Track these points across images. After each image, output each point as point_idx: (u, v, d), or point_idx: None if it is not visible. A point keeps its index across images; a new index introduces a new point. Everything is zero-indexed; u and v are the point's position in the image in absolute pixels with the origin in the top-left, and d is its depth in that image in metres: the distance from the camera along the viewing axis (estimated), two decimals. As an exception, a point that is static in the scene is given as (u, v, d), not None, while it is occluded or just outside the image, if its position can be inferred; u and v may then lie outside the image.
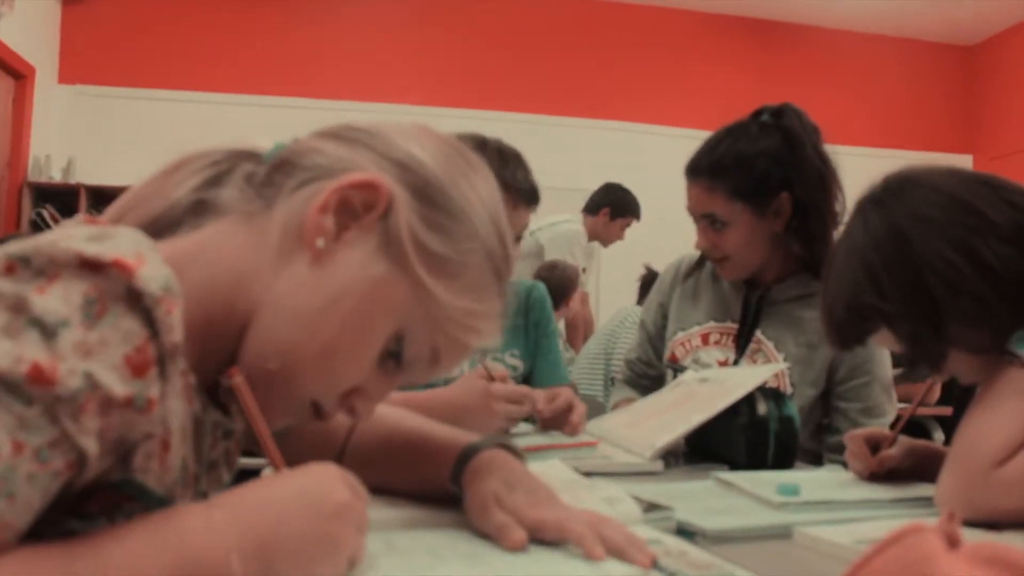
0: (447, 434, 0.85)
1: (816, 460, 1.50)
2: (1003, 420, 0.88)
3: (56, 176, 5.19)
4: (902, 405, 1.46)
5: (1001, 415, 0.88)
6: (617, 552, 0.65)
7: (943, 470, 0.91)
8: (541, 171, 1.62)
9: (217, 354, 0.62)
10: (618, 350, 3.35)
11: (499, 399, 1.27)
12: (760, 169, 1.50)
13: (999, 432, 0.87)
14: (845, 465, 1.14)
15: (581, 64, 6.09)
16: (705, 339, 1.63)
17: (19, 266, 0.49)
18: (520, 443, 1.20)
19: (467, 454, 0.78)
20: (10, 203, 5.04)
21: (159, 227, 0.66)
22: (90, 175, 5.18)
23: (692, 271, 1.70)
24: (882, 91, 6.58)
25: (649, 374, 1.77)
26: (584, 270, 4.20)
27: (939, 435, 3.65)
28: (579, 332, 4.23)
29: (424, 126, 0.71)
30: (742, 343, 1.58)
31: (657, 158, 5.22)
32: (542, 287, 1.79)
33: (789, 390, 1.50)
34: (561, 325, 4.06)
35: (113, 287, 0.50)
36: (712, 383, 1.37)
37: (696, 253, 1.67)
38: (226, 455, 0.68)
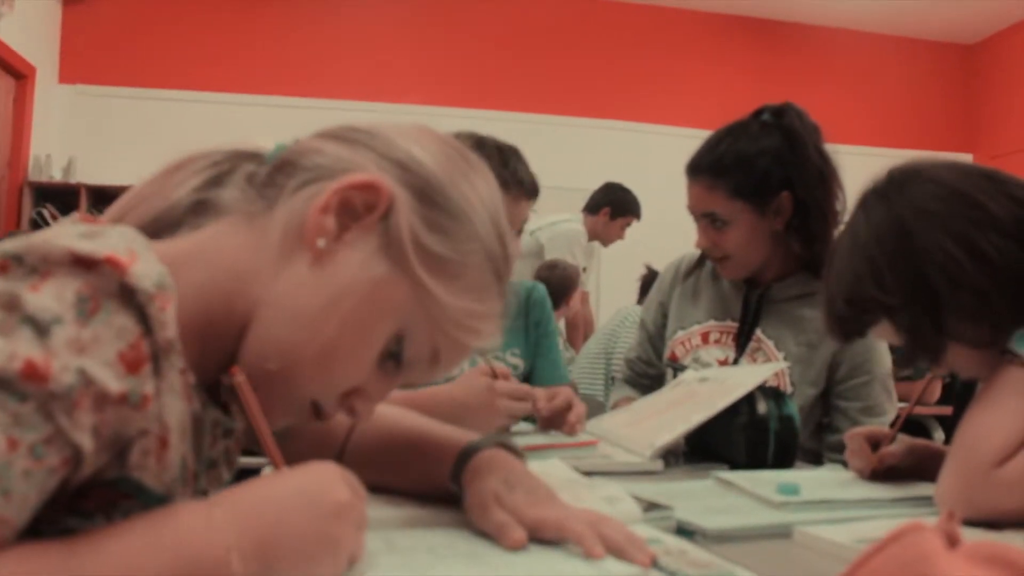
0: (447, 433, 0.85)
1: (816, 459, 1.50)
2: (1003, 419, 0.88)
3: (56, 176, 5.19)
4: (902, 404, 1.46)
5: (1001, 414, 0.88)
6: (617, 551, 0.65)
7: (943, 469, 0.91)
8: (541, 170, 1.62)
9: (217, 354, 0.62)
10: (618, 349, 3.35)
11: (502, 396, 1.27)
12: (761, 168, 1.50)
13: (999, 431, 0.87)
14: (845, 464, 1.14)
15: (582, 64, 6.09)
16: (705, 338, 1.63)
17: (12, 264, 0.49)
18: (520, 442, 1.20)
19: (467, 453, 0.78)
20: (10, 203, 5.04)
21: (159, 227, 0.66)
22: (90, 175, 5.18)
23: (692, 270, 1.70)
24: (882, 90, 6.58)
25: (649, 373, 1.77)
26: (584, 269, 4.20)
27: (939, 434, 3.65)
28: (579, 331, 4.23)
29: (424, 127, 0.71)
30: (742, 342, 1.59)
31: (657, 157, 5.22)
32: (542, 288, 1.80)
33: (789, 389, 1.50)
34: (561, 324, 4.06)
35: (106, 284, 0.50)
36: (712, 382, 1.37)
37: (696, 252, 1.67)
38: (226, 454, 0.68)
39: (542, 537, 0.68)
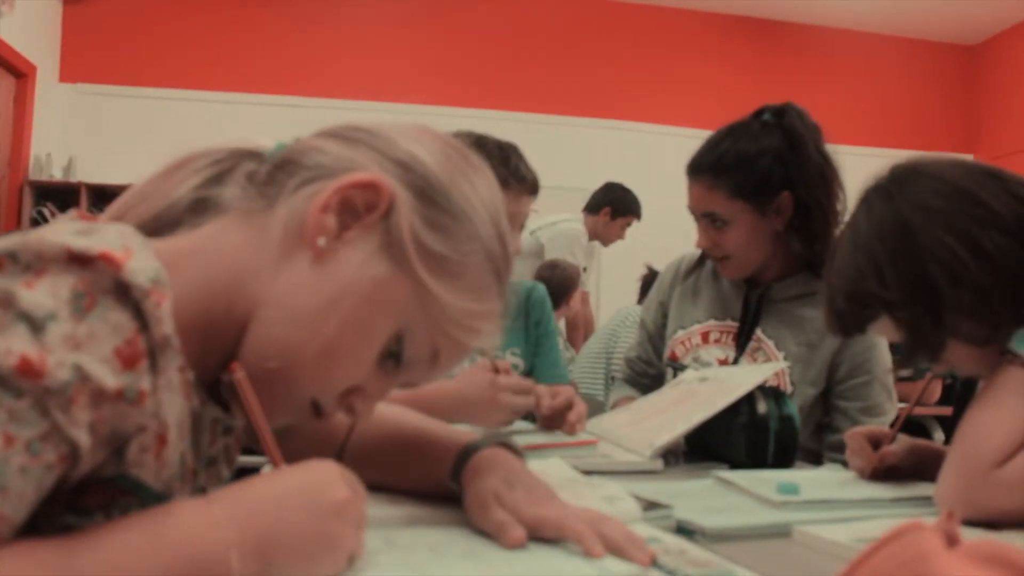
0: (447, 432, 0.85)
1: (816, 459, 1.50)
2: (1003, 420, 0.88)
3: (57, 175, 5.19)
4: (902, 405, 1.46)
5: (1001, 415, 0.88)
6: (616, 550, 0.65)
7: (943, 469, 0.91)
8: (541, 170, 1.63)
9: (217, 352, 0.62)
10: (619, 349, 3.35)
11: (504, 391, 1.28)
12: (761, 168, 1.50)
13: (999, 432, 0.87)
14: (845, 464, 1.14)
15: (582, 63, 6.09)
16: (705, 337, 1.63)
17: (7, 261, 0.49)
18: (520, 441, 1.20)
19: (467, 452, 0.78)
20: (11, 202, 5.04)
21: (159, 225, 0.66)
22: (91, 174, 5.18)
23: (692, 270, 1.70)
24: (883, 90, 6.58)
25: (649, 373, 1.77)
26: (585, 269, 4.20)
27: (939, 435, 3.65)
28: (579, 331, 4.23)
29: (426, 126, 0.71)
30: (742, 341, 1.59)
31: (658, 157, 5.23)
32: (542, 288, 1.80)
33: (789, 389, 1.50)
34: (562, 324, 4.07)
35: (101, 280, 0.50)
36: (712, 382, 1.37)
37: (697, 252, 1.68)
38: (226, 451, 0.68)
39: (542, 536, 0.68)
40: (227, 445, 0.68)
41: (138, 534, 0.51)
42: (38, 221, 5.05)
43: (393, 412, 0.89)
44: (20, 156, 5.08)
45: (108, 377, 0.49)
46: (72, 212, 0.62)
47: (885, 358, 1.54)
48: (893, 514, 0.91)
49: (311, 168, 0.65)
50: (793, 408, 1.25)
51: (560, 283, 3.73)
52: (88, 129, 5.39)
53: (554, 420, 1.35)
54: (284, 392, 0.63)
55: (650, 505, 0.84)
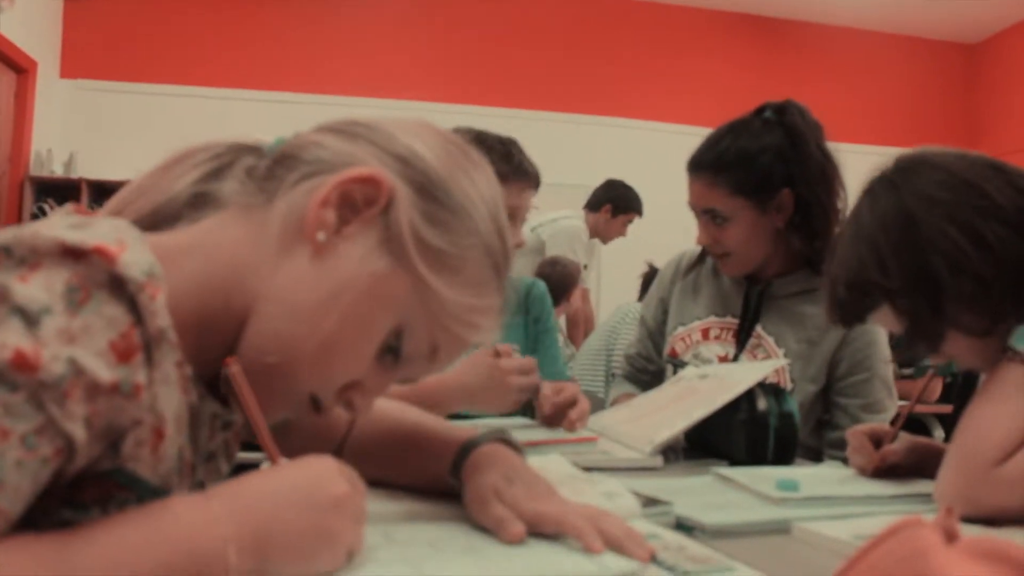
0: (446, 428, 0.85)
1: (816, 456, 1.50)
2: (1003, 417, 0.88)
3: (58, 170, 5.19)
4: (902, 403, 1.46)
5: (1001, 412, 0.88)
6: (616, 546, 0.65)
7: (943, 467, 0.91)
8: (542, 167, 1.63)
9: (216, 346, 0.62)
10: (619, 346, 3.35)
11: (510, 373, 1.28)
12: (762, 165, 1.50)
13: (999, 429, 0.87)
14: (845, 461, 1.14)
15: (583, 60, 6.09)
16: (705, 334, 1.63)
17: (1, 256, 0.49)
18: (520, 438, 1.20)
19: (467, 448, 0.78)
20: (11, 198, 5.04)
21: (158, 220, 0.66)
22: (91, 170, 5.18)
23: (693, 266, 1.70)
24: (883, 89, 6.57)
25: (649, 369, 1.77)
26: (585, 266, 4.20)
27: (939, 432, 3.65)
28: (580, 328, 4.24)
29: (425, 122, 0.71)
30: (742, 338, 1.59)
31: (658, 154, 5.23)
32: (542, 284, 1.81)
33: (789, 386, 1.50)
34: (562, 321, 4.07)
35: (95, 274, 0.50)
36: (712, 379, 1.37)
37: (697, 248, 1.67)
38: (225, 446, 0.68)
39: (541, 531, 0.68)
40: (226, 440, 0.68)
41: (135, 529, 0.51)
42: (39, 217, 5.02)
43: (393, 408, 0.89)
44: (21, 152, 5.08)
45: (103, 371, 0.49)
46: (68, 206, 0.62)
47: (885, 355, 1.54)
48: (893, 511, 0.91)
49: (310, 163, 0.65)
50: (793, 405, 1.25)
51: (560, 280, 3.74)
52: (89, 125, 5.39)
53: (556, 417, 1.35)
54: (283, 387, 0.63)
55: (650, 501, 0.84)
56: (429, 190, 0.65)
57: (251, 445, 0.69)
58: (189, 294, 0.58)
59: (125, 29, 5.49)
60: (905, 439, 1.08)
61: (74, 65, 5.45)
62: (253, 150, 0.69)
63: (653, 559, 0.65)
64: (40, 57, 5.17)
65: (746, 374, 1.29)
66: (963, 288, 0.92)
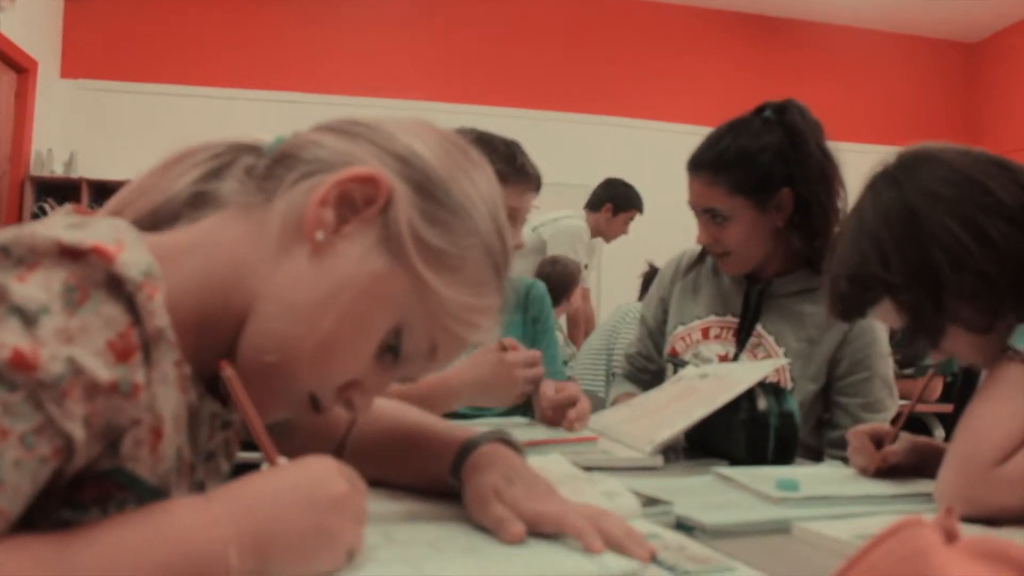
0: (446, 428, 0.85)
1: (816, 456, 1.50)
2: (1003, 417, 0.88)
3: (58, 170, 5.19)
4: (903, 402, 1.46)
5: (1002, 412, 0.88)
6: (616, 546, 0.65)
7: (943, 466, 0.91)
8: (542, 166, 1.63)
9: (215, 346, 0.62)
10: (619, 346, 3.35)
11: (516, 366, 1.29)
12: (762, 164, 1.50)
13: (999, 429, 0.87)
14: (845, 461, 1.14)
15: (583, 60, 6.09)
16: (705, 333, 1.63)
17: None
18: (520, 438, 1.20)
19: (467, 448, 0.78)
20: (12, 197, 5.04)
21: (158, 219, 0.66)
22: (92, 169, 5.18)
23: (693, 265, 1.70)
24: (883, 88, 6.57)
25: (649, 369, 1.77)
26: (586, 266, 4.20)
27: (940, 432, 3.65)
28: (580, 328, 4.24)
29: (425, 121, 0.71)
30: (743, 337, 1.58)
31: (658, 153, 5.22)
32: (541, 284, 1.81)
33: (789, 385, 1.50)
34: (562, 321, 4.07)
35: (93, 274, 0.50)
36: (712, 378, 1.37)
37: (697, 248, 1.67)
38: (225, 446, 0.68)
39: (541, 531, 0.68)
40: (226, 439, 0.68)
41: (135, 531, 0.51)
42: (39, 217, 5.02)
43: (393, 408, 0.89)
44: (21, 152, 5.08)
45: (101, 370, 0.49)
46: (67, 206, 0.62)
47: (886, 354, 1.54)
48: (893, 510, 0.91)
49: (310, 162, 0.65)
50: (793, 404, 1.25)
51: (561, 279, 3.74)
52: (89, 125, 5.39)
53: (556, 416, 1.35)
54: (282, 386, 0.63)
55: (650, 501, 0.84)
56: (428, 189, 0.65)
57: (251, 445, 0.69)
58: (188, 293, 0.58)
59: (125, 29, 5.50)
60: (906, 439, 1.08)
61: (74, 65, 5.46)
62: (252, 149, 0.69)
63: (653, 559, 0.65)
64: (40, 57, 5.17)
65: (746, 373, 1.29)
66: (964, 284, 0.92)
